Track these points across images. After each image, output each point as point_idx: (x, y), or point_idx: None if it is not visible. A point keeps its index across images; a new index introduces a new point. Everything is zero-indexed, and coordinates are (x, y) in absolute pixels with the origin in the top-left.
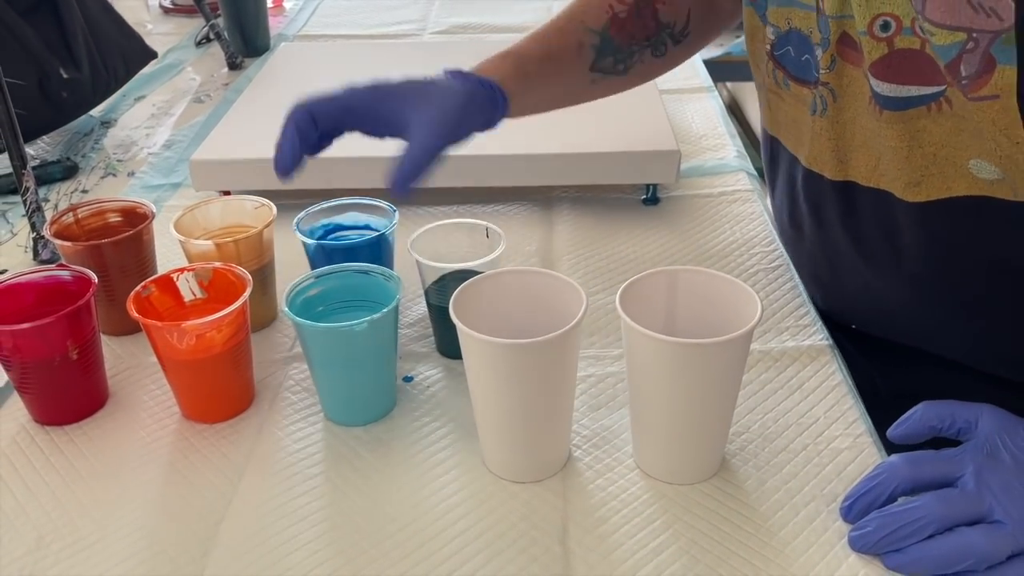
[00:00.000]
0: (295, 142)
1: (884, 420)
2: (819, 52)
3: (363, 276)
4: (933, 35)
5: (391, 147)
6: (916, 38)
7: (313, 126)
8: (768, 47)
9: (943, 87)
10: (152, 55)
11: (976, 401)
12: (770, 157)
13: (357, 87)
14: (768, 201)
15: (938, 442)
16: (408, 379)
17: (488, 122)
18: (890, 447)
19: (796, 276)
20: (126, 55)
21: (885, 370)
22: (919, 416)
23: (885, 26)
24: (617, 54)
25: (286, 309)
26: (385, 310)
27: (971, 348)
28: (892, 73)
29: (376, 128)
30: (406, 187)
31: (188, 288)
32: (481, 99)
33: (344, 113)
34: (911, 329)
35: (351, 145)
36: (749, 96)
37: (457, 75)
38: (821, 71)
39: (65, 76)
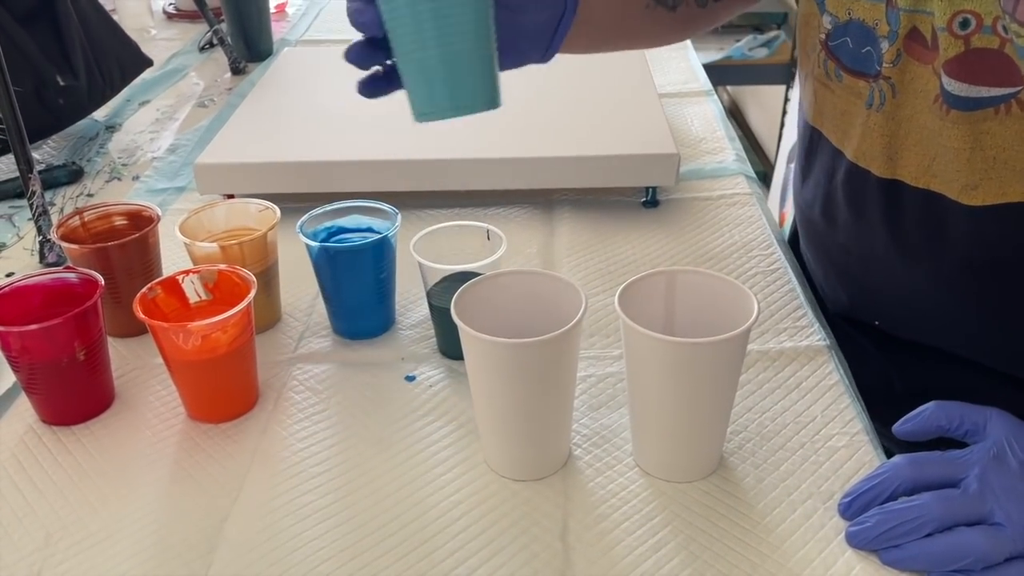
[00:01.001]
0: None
1: (897, 417)
2: (885, 45)
3: None
4: (1021, 36)
5: (395, 151)
6: (995, 37)
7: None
8: (823, 36)
9: (1017, 88)
10: (148, 63)
11: (995, 401)
12: (807, 148)
13: None
14: (767, 205)
15: (942, 443)
16: (410, 378)
17: (553, 19)
18: (892, 445)
19: (794, 279)
20: (122, 62)
21: (903, 367)
22: (928, 414)
23: (964, 23)
24: None
25: None
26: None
27: (1002, 351)
28: (966, 72)
29: None
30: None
31: (193, 290)
32: None
33: None
34: (940, 329)
35: (353, 149)
36: (749, 100)
37: None
38: (884, 65)
39: (62, 83)
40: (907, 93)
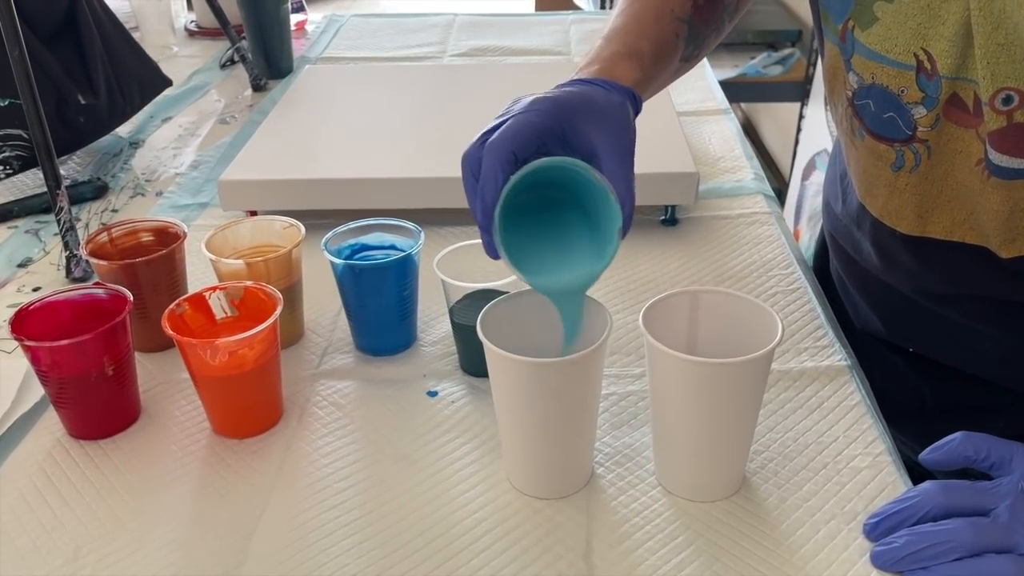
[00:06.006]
0: (499, 185)
1: (928, 433)
2: (920, 110)
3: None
4: None
5: (417, 169)
6: None
7: (515, 165)
8: (849, 94)
9: None
10: (167, 83)
11: None
12: (843, 188)
13: (536, 110)
14: (784, 224)
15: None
16: (432, 394)
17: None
18: (916, 464)
19: (814, 298)
20: (142, 82)
21: (935, 385)
22: (956, 445)
23: (1007, 100)
24: (696, 40)
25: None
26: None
27: None
28: (1008, 145)
29: (559, 152)
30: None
31: (220, 306)
32: (630, 111)
33: (539, 144)
34: (976, 357)
35: (377, 166)
36: (763, 117)
37: (606, 84)
38: (920, 129)
39: (83, 102)
40: (944, 153)
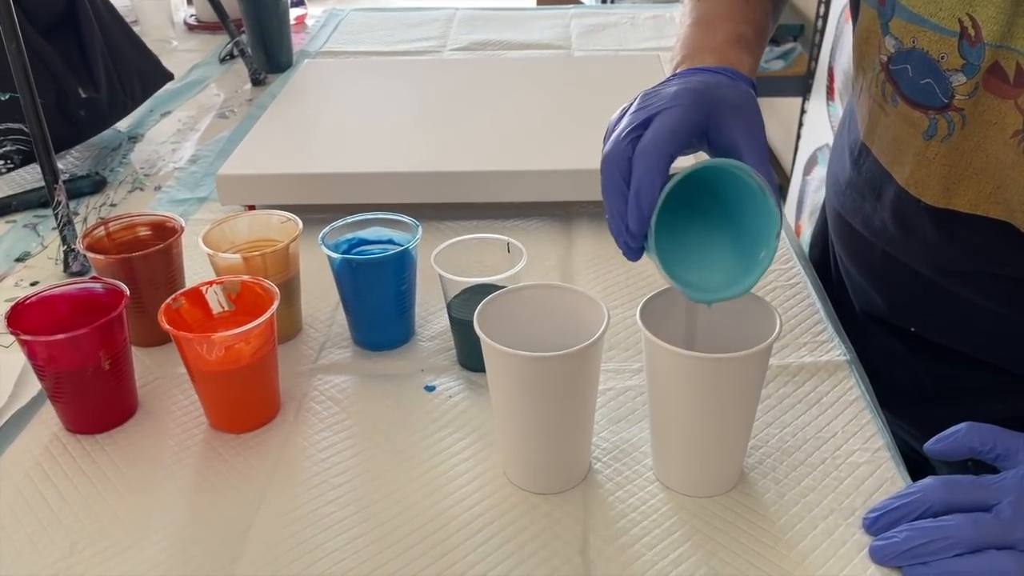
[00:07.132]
0: (656, 192)
1: (927, 418)
2: (959, 78)
3: None
4: None
5: (415, 163)
6: None
7: (670, 169)
8: (884, 58)
9: None
10: (168, 77)
11: None
12: (855, 160)
13: (682, 105)
14: (785, 219)
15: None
16: (430, 388)
17: None
18: (918, 444)
19: (813, 293)
20: (143, 76)
21: (934, 368)
22: (961, 436)
23: None
24: (775, 16)
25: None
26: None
27: None
28: None
29: (701, 148)
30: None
31: (217, 301)
32: (756, 101)
33: (689, 139)
34: (980, 340)
35: (374, 160)
36: (765, 111)
37: (730, 73)
38: (958, 97)
39: (83, 95)
40: (977, 124)
